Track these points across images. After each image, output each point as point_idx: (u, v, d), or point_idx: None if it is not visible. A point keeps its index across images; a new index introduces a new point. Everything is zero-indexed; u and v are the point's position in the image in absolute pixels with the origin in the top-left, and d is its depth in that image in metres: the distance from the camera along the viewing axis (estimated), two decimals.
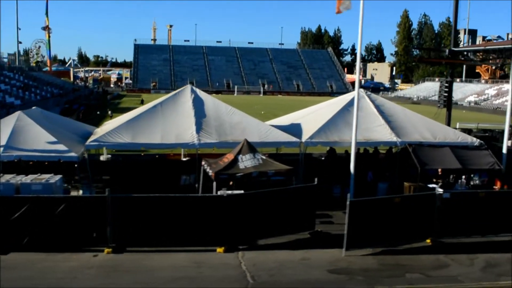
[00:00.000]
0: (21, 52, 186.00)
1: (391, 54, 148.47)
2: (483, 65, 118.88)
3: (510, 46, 21.69)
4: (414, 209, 15.13)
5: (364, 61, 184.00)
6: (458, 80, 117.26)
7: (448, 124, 27.53)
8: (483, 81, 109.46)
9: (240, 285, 12.47)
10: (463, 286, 12.78)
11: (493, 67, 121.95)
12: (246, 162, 16.35)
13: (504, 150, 20.92)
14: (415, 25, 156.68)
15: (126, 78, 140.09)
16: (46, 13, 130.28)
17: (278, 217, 15.39)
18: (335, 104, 22.95)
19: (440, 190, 18.28)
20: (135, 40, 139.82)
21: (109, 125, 21.13)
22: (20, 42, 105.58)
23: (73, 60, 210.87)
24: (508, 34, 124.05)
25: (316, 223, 16.73)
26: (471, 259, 14.53)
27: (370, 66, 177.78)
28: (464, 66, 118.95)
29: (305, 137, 19.81)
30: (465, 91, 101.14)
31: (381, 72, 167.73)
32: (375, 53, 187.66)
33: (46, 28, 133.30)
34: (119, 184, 20.02)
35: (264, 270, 13.39)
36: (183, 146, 19.01)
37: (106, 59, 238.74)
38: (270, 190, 15.29)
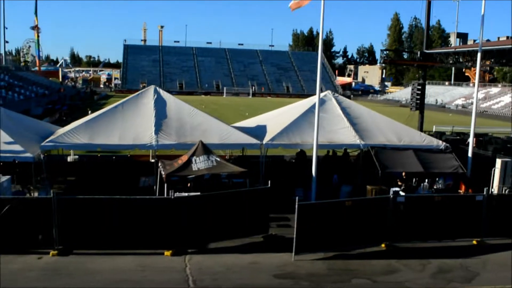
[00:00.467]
0: (13, 52, 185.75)
1: (382, 56, 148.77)
2: (472, 69, 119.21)
3: (476, 49, 21.44)
4: (367, 213, 14.88)
5: (356, 63, 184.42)
6: (447, 83, 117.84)
7: (421, 126, 27.35)
8: (471, 84, 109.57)
9: None
10: None
11: (483, 71, 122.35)
12: (200, 164, 16.06)
13: (470, 154, 20.74)
14: (406, 28, 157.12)
15: (115, 78, 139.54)
16: (35, 13, 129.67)
17: (230, 220, 15.11)
18: (302, 105, 22.71)
19: (402, 194, 18.19)
20: (125, 40, 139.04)
21: (69, 125, 20.75)
22: (7, 42, 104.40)
23: (65, 60, 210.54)
24: (498, 37, 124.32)
25: (273, 227, 16.52)
26: (423, 265, 14.27)
27: (362, 69, 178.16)
28: (453, 69, 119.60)
29: (267, 139, 19.54)
30: (453, 95, 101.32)
31: (372, 75, 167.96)
32: (367, 56, 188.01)
33: (35, 28, 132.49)
34: (81, 186, 19.77)
35: (208, 274, 13.09)
36: (141, 147, 18.66)
37: (99, 60, 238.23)
38: (221, 192, 15.00)
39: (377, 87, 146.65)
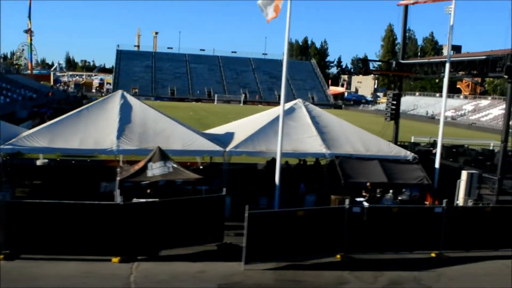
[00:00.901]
0: (9, 55, 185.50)
1: (375, 67, 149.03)
2: (464, 80, 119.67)
3: (444, 60, 21.35)
4: (322, 223, 14.64)
5: (350, 73, 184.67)
6: (437, 95, 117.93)
7: (396, 137, 27.12)
8: (461, 96, 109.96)
9: None
10: None
11: (474, 83, 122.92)
12: (155, 170, 15.80)
13: (437, 165, 20.56)
14: (399, 39, 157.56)
15: (108, 83, 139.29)
16: (29, 16, 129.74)
17: (184, 228, 14.83)
18: (273, 113, 22.49)
19: (366, 204, 18.00)
20: (118, 45, 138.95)
21: (33, 129, 20.47)
22: None
23: (59, 64, 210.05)
24: (492, 50, 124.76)
25: (230, 235, 16.22)
26: (375, 277, 14.02)
27: (355, 79, 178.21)
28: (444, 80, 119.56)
29: (231, 146, 19.31)
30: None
31: (365, 85, 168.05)
32: (361, 66, 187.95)
33: (28, 31, 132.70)
34: (45, 190, 19.49)
35: (152, 282, 12.81)
36: (101, 152, 18.43)
37: (94, 64, 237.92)
38: (173, 199, 14.73)
39: (369, 97, 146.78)
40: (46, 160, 24.67)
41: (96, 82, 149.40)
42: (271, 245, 14.02)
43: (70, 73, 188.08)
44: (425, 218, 15.73)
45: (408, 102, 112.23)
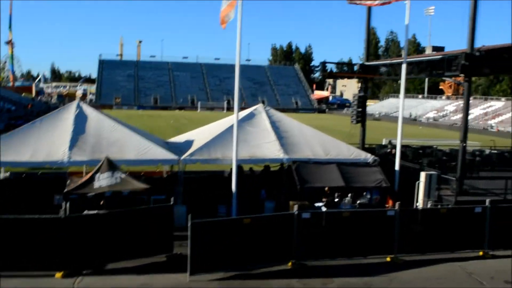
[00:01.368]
0: None
1: (358, 70, 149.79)
2: (446, 81, 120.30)
3: (400, 61, 21.27)
4: (271, 230, 14.36)
5: (334, 77, 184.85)
6: (420, 96, 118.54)
7: (363, 140, 26.96)
8: (444, 97, 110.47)
9: None
10: None
11: (456, 83, 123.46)
12: (102, 181, 15.49)
13: (397, 167, 20.41)
14: (382, 42, 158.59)
15: (91, 93, 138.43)
16: (10, 27, 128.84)
17: (131, 240, 14.48)
18: (233, 119, 22.22)
19: (324, 209, 17.79)
20: (100, 55, 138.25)
21: None
22: None
23: (43, 76, 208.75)
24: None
25: (184, 245, 15.75)
26: (325, 284, 13.77)
27: (340, 83, 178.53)
28: (426, 81, 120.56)
29: (186, 154, 19.03)
30: (426, 107, 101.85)
31: (350, 89, 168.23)
32: (346, 70, 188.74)
33: (9, 43, 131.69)
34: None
35: None
36: (52, 164, 18.05)
37: (80, 75, 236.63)
38: (118, 211, 14.40)
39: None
40: (7, 174, 24.18)
41: (79, 93, 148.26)
42: (217, 254, 13.74)
43: (54, 84, 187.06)
44: (378, 221, 15.51)
45: (391, 104, 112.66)
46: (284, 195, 19.16)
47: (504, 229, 16.44)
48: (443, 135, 59.01)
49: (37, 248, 13.61)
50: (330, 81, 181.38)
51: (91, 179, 15.53)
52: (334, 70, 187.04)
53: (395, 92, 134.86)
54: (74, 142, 18.47)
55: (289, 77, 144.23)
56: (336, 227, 15.05)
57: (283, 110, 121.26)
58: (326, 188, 18.97)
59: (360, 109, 26.46)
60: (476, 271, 15.02)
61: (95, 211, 15.12)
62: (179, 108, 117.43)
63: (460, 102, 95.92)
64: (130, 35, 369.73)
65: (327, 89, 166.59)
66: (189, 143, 21.21)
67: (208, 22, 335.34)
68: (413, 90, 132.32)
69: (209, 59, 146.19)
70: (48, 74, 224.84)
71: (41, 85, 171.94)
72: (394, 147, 27.12)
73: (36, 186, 18.72)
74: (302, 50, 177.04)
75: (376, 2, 20.17)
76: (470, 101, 77.86)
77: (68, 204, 16.82)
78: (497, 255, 16.30)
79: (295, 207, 17.78)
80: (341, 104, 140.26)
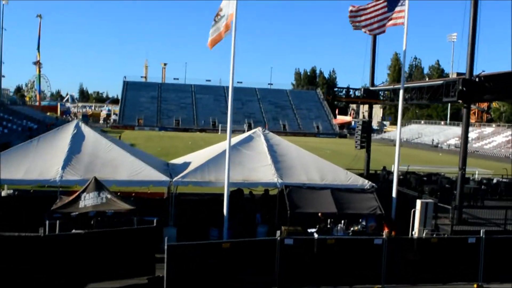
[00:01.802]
0: (23, 87, 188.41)
1: (382, 96, 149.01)
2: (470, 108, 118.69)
3: (398, 87, 21.02)
4: (251, 255, 14.10)
5: (357, 102, 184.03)
6: (442, 123, 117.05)
7: (367, 166, 26.57)
8: None
9: None
10: None
11: (480, 110, 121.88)
12: (88, 200, 15.51)
13: (394, 194, 19.95)
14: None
15: (114, 114, 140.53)
16: (38, 48, 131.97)
17: (112, 260, 14.39)
18: (231, 142, 22.16)
19: (316, 235, 17.45)
20: (125, 77, 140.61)
21: None
22: (3, 76, 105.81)
23: (71, 96, 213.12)
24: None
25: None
26: None
27: (363, 108, 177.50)
28: (449, 109, 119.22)
29: (179, 176, 18.99)
30: (447, 134, 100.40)
31: (373, 114, 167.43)
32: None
33: (37, 63, 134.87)
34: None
35: None
36: (44, 183, 18.19)
37: (107, 96, 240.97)
38: (99, 231, 14.39)
39: (375, 126, 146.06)
40: (11, 191, 24.45)
41: (103, 113, 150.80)
42: (195, 279, 13.51)
43: (81, 104, 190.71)
44: (365, 250, 15.11)
45: (413, 130, 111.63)
46: (277, 220, 18.88)
47: (499, 261, 15.87)
48: (452, 162, 57.75)
49: (16, 265, 13.58)
50: (354, 106, 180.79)
51: (77, 198, 15.56)
52: (358, 95, 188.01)
53: (418, 118, 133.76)
54: (68, 161, 18.60)
55: (311, 102, 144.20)
56: (321, 254, 14.72)
57: (304, 134, 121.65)
58: (320, 214, 18.66)
59: (364, 134, 26.13)
60: None
61: (82, 231, 15.12)
62: (200, 130, 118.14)
63: (483, 129, 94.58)
64: (155, 58, 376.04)
65: (350, 114, 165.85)
66: (186, 165, 21.17)
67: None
68: (436, 116, 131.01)
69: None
70: (76, 94, 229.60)
71: (68, 104, 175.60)
72: (401, 174, 26.75)
73: (29, 204, 18.83)
74: (326, 74, 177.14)
75: (376, 31, 20.06)
76: (493, 129, 76.55)
77: (58, 223, 16.93)
78: None
79: (282, 233, 17.68)
80: None
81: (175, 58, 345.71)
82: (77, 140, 19.89)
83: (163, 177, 18.74)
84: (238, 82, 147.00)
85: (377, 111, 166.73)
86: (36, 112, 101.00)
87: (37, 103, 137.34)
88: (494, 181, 26.98)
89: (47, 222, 15.32)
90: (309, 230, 18.35)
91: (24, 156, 18.93)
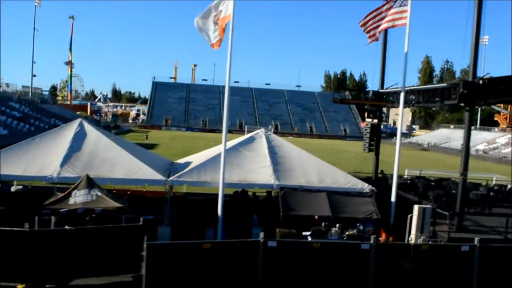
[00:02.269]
0: (58, 87, 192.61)
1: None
2: (501, 113, 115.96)
3: (409, 88, 20.69)
4: (233, 257, 14.00)
5: (387, 106, 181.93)
6: (472, 128, 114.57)
7: (376, 169, 26.17)
8: (495, 129, 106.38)
9: None
10: None
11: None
12: (78, 197, 15.67)
13: (393, 199, 19.58)
14: (437, 71, 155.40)
15: (143, 114, 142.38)
16: (70, 49, 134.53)
17: (98, 257, 14.52)
18: (232, 143, 22.21)
19: (309, 239, 17.31)
20: (154, 77, 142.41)
21: None
22: (34, 75, 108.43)
23: (103, 95, 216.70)
24: None
25: None
26: None
27: (393, 111, 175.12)
28: (479, 113, 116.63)
29: (174, 175, 19.06)
30: (476, 139, 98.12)
31: (404, 118, 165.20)
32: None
33: (69, 63, 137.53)
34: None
35: None
36: (41, 179, 18.49)
37: (139, 96, 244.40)
38: (84, 228, 14.55)
39: (404, 129, 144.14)
40: (20, 187, 24.95)
41: (133, 113, 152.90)
42: (174, 278, 13.49)
43: (112, 104, 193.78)
44: (352, 255, 14.80)
45: (442, 134, 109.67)
46: (271, 222, 18.74)
47: (494, 271, 15.36)
48: (485, 168, 56.60)
49: (1, 259, 13.84)
50: (384, 110, 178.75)
51: (68, 195, 15.74)
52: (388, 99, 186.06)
53: (448, 122, 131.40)
54: (67, 159, 18.88)
55: (339, 104, 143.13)
56: (306, 258, 14.49)
57: (330, 137, 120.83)
58: (316, 217, 18.49)
59: (373, 138, 25.75)
60: None
61: (68, 227, 15.30)
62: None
63: None
64: (185, 59, 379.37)
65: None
66: (186, 165, 21.24)
67: (260, 47, 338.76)
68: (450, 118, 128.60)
69: (259, 84, 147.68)
70: (109, 94, 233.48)
71: (100, 104, 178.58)
72: (415, 178, 26.29)
73: (27, 200, 19.16)
74: (357, 77, 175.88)
75: (377, 35, 19.87)
76: None
77: (53, 219, 17.19)
78: None
79: (280, 235, 17.56)
80: (391, 132, 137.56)
81: (205, 60, 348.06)
82: (79, 138, 20.18)
83: (159, 176, 18.83)
84: (266, 84, 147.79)
85: (408, 114, 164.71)
86: (65, 111, 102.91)
87: (68, 102, 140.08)
88: (508, 187, 26.23)
89: (36, 218, 15.52)
90: (303, 233, 18.19)
91: (26, 153, 19.29)
